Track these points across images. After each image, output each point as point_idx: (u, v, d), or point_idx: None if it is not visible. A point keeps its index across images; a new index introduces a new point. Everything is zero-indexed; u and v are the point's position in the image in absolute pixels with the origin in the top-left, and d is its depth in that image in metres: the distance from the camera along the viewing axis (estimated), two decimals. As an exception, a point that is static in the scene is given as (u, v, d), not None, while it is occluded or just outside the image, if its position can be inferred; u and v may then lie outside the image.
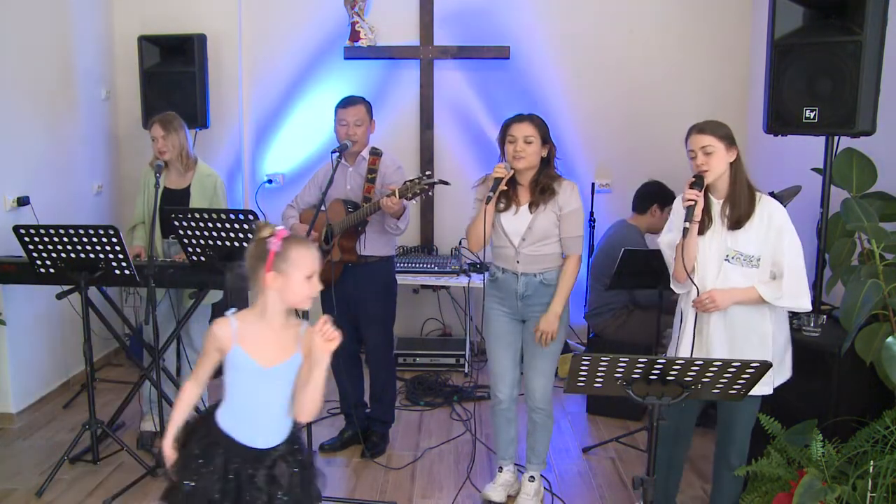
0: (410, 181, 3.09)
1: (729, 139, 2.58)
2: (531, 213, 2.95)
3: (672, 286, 2.73)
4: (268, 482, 2.07)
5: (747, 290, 2.55)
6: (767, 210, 2.57)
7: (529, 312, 3.02)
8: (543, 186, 2.94)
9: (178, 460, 2.09)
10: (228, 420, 2.09)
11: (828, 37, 2.96)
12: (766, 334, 2.61)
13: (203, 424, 2.13)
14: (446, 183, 3.19)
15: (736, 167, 2.59)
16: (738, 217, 2.56)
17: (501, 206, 2.99)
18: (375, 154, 3.43)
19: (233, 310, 2.09)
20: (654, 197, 4.09)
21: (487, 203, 2.90)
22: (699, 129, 2.60)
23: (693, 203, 2.53)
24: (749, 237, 2.56)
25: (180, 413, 2.12)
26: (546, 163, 2.98)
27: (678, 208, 2.69)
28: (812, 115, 2.99)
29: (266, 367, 2.05)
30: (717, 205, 2.61)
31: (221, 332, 2.05)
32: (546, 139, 2.96)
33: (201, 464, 2.05)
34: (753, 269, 2.56)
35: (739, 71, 4.89)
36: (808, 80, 3.00)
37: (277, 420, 2.11)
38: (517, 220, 2.97)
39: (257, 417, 2.09)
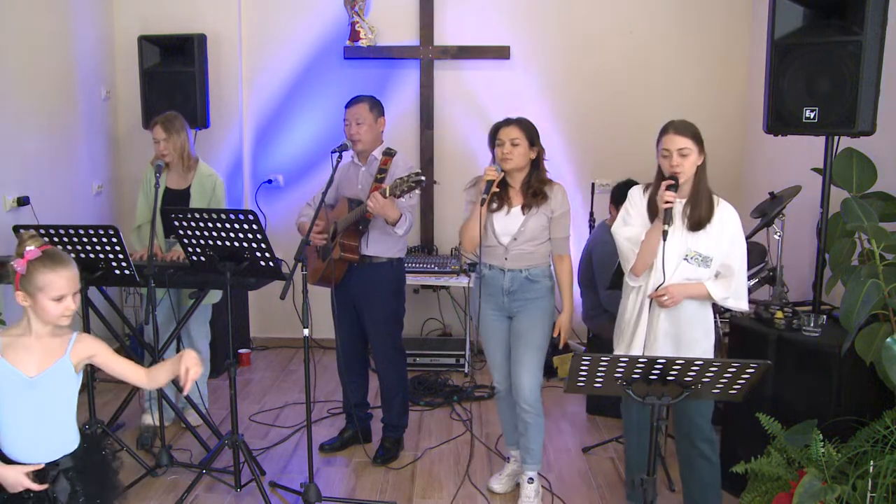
0: (400, 179, 3.08)
1: (701, 142, 2.66)
2: (524, 214, 3.05)
3: (627, 279, 2.79)
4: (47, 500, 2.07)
5: (698, 287, 2.69)
6: (725, 215, 2.69)
7: (515, 308, 3.10)
8: (535, 190, 3.06)
9: None
10: (8, 440, 2.08)
11: (828, 37, 2.95)
12: (710, 327, 2.77)
13: None
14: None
15: (701, 170, 2.67)
16: (699, 219, 2.65)
17: (494, 206, 3.08)
18: (388, 154, 3.39)
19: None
20: (611, 196, 4.11)
21: (483, 205, 3.00)
22: (677, 129, 2.64)
23: (671, 205, 2.57)
24: (709, 239, 2.67)
25: None
26: (536, 165, 3.08)
27: (636, 201, 2.78)
28: (812, 115, 2.99)
29: (31, 376, 2.06)
30: (679, 205, 2.68)
31: None
32: (534, 142, 3.05)
33: None
34: (706, 269, 2.68)
35: (739, 71, 4.89)
36: (808, 80, 2.99)
37: (57, 430, 2.11)
38: (509, 220, 3.07)
39: (33, 429, 2.08)
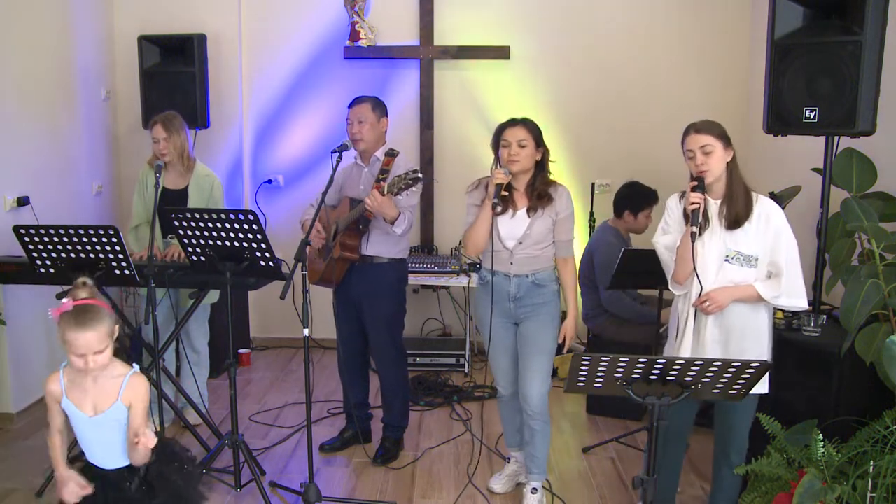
0: (397, 176, 3.07)
1: (726, 138, 2.59)
2: (529, 217, 2.98)
3: (671, 288, 2.73)
4: (143, 486, 2.28)
5: (745, 288, 2.57)
6: (766, 210, 2.58)
7: (522, 314, 3.04)
8: (541, 192, 2.99)
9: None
10: (85, 451, 2.30)
11: (828, 37, 2.96)
12: (762, 332, 2.64)
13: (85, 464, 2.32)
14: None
15: (732, 167, 2.60)
16: (737, 217, 2.57)
17: (498, 209, 2.99)
18: (390, 155, 3.37)
19: (65, 363, 2.20)
20: (625, 202, 4.10)
21: (495, 210, 2.94)
22: (697, 128, 2.59)
23: (698, 206, 2.53)
24: (748, 237, 2.57)
25: (59, 459, 2.27)
26: (540, 166, 3.01)
27: (673, 209, 2.71)
28: (812, 115, 2.99)
29: (91, 416, 2.21)
30: (714, 205, 2.61)
31: (53, 388, 2.22)
32: (539, 143, 2.98)
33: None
34: (752, 268, 2.58)
35: (739, 71, 4.89)
36: (808, 80, 2.99)
37: (121, 446, 2.27)
38: (514, 223, 3.00)
39: (103, 452, 2.28)
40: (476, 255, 3.08)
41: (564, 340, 3.04)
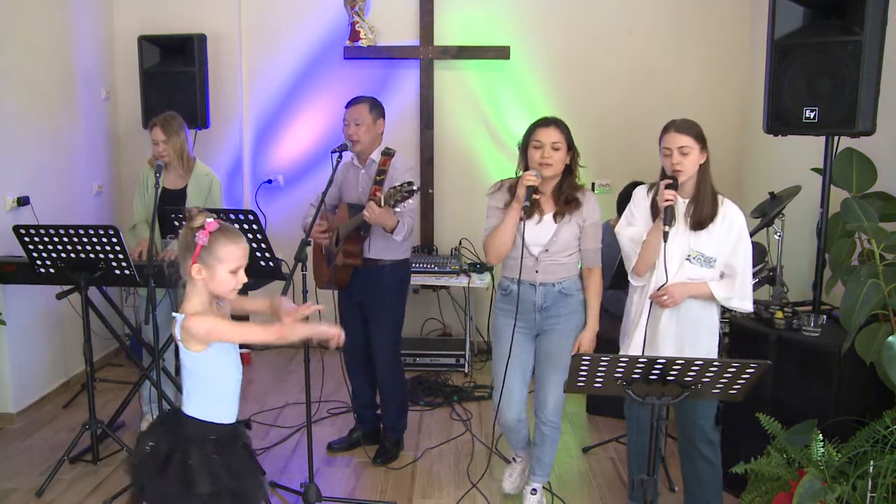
0: (393, 188, 3.04)
1: (703, 141, 2.65)
2: (556, 223, 2.88)
3: (630, 278, 2.79)
4: (244, 450, 2.20)
5: (701, 286, 2.67)
6: (729, 214, 2.67)
7: (547, 325, 2.95)
8: (568, 197, 2.88)
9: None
10: (212, 409, 2.14)
11: (828, 37, 2.95)
12: (714, 328, 2.75)
13: (182, 430, 2.13)
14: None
15: (704, 169, 2.66)
16: (701, 218, 2.64)
17: (522, 214, 2.84)
18: (387, 154, 3.34)
19: (178, 316, 2.11)
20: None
21: (525, 215, 2.80)
22: (677, 127, 2.63)
23: (671, 204, 2.56)
24: (711, 239, 2.65)
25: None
26: (569, 170, 2.90)
27: (640, 200, 2.77)
28: (812, 115, 2.99)
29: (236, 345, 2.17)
30: (682, 204, 2.67)
31: (206, 316, 2.09)
32: (571, 145, 2.87)
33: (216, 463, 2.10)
34: (709, 268, 2.67)
35: (739, 71, 4.89)
36: (808, 80, 2.99)
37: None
38: (540, 229, 2.89)
39: (236, 391, 2.20)
40: (498, 261, 2.93)
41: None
